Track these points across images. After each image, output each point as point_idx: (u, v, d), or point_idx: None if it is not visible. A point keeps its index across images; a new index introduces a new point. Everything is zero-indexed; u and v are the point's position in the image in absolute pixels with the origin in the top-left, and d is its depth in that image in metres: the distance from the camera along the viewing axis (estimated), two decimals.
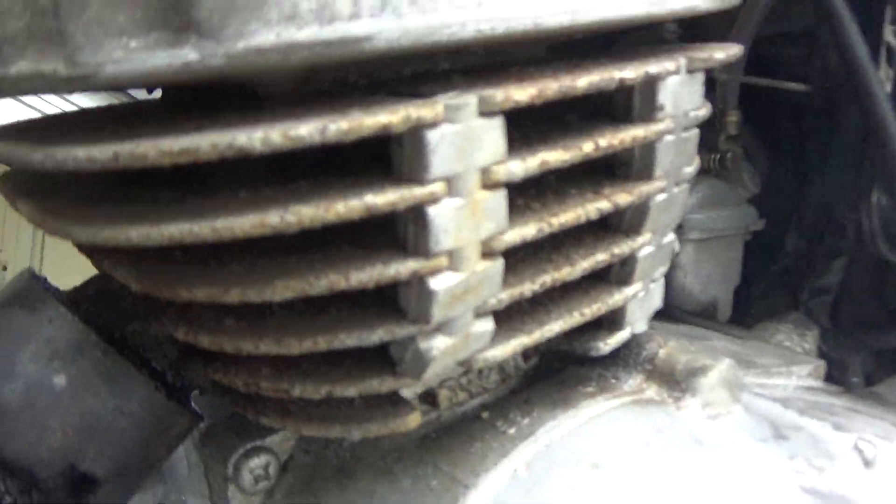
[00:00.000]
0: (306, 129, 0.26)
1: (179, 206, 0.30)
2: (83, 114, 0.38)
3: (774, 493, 0.36)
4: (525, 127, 0.35)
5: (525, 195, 0.37)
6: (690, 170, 0.42)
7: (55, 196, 0.33)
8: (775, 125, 0.79)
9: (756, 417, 0.46)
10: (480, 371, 0.46)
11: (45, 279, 0.42)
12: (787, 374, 0.60)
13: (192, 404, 0.46)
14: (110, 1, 0.25)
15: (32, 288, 0.40)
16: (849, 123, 0.66)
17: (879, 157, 0.56)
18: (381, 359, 0.35)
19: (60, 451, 0.39)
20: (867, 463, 0.44)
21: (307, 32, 0.26)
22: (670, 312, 0.72)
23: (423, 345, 0.33)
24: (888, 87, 0.60)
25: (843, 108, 0.66)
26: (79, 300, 0.42)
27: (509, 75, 0.33)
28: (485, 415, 0.44)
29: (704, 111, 0.41)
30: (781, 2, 0.65)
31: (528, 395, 0.45)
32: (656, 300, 0.47)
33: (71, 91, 0.27)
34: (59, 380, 0.38)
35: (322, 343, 0.33)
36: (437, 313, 0.32)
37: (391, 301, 0.33)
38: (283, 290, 0.30)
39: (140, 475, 0.43)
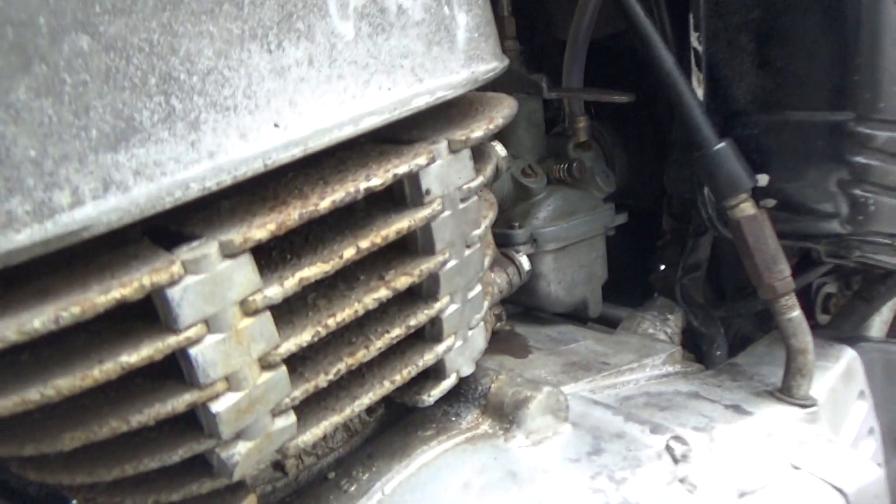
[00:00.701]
0: (40, 322, 0.29)
1: None
2: None
3: None
4: (294, 235, 0.38)
5: (315, 290, 0.40)
6: (479, 231, 0.46)
7: None
8: (631, 116, 0.83)
9: (580, 433, 0.51)
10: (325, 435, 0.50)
11: None
12: (640, 368, 0.66)
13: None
14: None
15: None
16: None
17: (699, 159, 0.60)
18: (200, 466, 0.39)
19: None
20: (676, 461, 0.49)
21: (26, 234, 0.29)
22: (540, 316, 0.77)
23: (224, 454, 0.37)
24: (701, 92, 0.64)
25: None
26: None
27: (256, 206, 0.36)
28: (331, 475, 0.48)
29: (478, 181, 0.44)
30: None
31: (371, 449, 0.49)
32: (479, 343, 0.51)
33: None
34: None
35: (129, 469, 0.36)
36: (226, 429, 0.36)
37: (192, 419, 0.37)
38: (71, 441, 0.33)
39: None
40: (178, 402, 0.34)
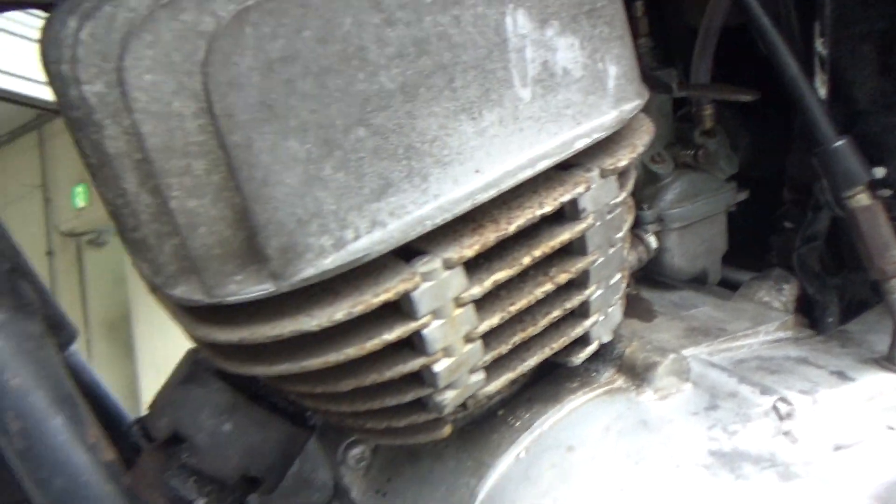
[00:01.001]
0: (341, 314, 0.45)
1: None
2: None
3: (685, 459, 0.54)
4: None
5: (499, 286, 0.55)
6: (621, 234, 0.58)
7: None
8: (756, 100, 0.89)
9: (699, 391, 0.63)
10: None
11: (205, 359, 0.65)
12: (754, 334, 0.76)
13: (308, 418, 0.69)
14: (223, 261, 0.45)
15: (199, 369, 0.63)
16: None
17: (818, 154, 0.67)
18: (417, 405, 0.56)
19: (236, 467, 0.62)
20: (781, 418, 0.60)
21: (331, 260, 0.45)
22: (664, 282, 0.87)
23: (437, 398, 0.53)
24: (823, 91, 0.70)
25: None
26: (224, 371, 0.65)
27: (462, 228, 0.50)
28: (500, 413, 0.64)
29: (622, 196, 0.56)
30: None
31: (530, 394, 0.65)
32: (617, 316, 0.64)
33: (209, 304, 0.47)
34: (228, 426, 0.62)
35: (376, 405, 0.53)
36: (441, 382, 0.52)
37: (416, 374, 0.53)
38: (346, 384, 0.50)
39: (285, 471, 0.67)
40: (415, 364, 0.50)
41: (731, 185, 0.83)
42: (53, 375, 0.50)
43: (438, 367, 0.51)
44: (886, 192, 0.70)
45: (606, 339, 0.64)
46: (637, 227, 0.79)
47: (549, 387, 0.65)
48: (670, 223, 0.80)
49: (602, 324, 0.62)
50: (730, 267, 0.96)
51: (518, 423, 0.62)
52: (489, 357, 0.54)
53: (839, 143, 0.67)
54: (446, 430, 0.59)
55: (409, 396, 0.53)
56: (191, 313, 0.50)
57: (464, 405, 0.64)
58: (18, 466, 0.48)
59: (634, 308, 0.80)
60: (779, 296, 0.84)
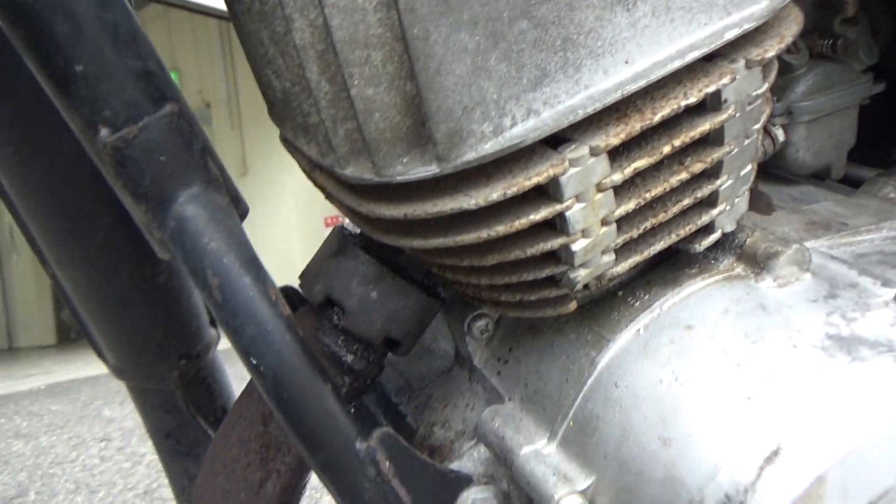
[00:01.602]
0: (496, 194, 0.50)
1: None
2: None
3: (802, 341, 0.58)
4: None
5: (636, 173, 0.58)
6: (758, 126, 0.59)
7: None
8: None
9: (819, 281, 0.65)
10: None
11: (352, 233, 0.73)
12: (877, 230, 0.76)
13: (440, 292, 0.76)
14: (393, 145, 0.50)
15: (348, 244, 0.70)
16: None
17: None
18: (550, 281, 0.61)
19: (380, 330, 0.71)
20: None
21: (490, 145, 0.49)
22: (783, 176, 0.87)
23: (571, 275, 0.58)
24: None
25: None
26: (370, 243, 0.72)
27: (607, 117, 0.53)
28: (620, 293, 0.69)
29: (764, 87, 0.56)
30: None
31: (649, 278, 0.69)
32: (742, 207, 0.66)
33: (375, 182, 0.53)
34: (374, 294, 0.70)
35: (514, 279, 0.59)
36: (577, 260, 0.56)
37: (553, 253, 0.58)
38: (491, 258, 0.56)
39: (418, 336, 0.75)
40: (555, 243, 0.55)
41: (868, 77, 0.80)
42: (240, 241, 0.58)
43: (576, 247, 0.55)
44: None
45: (730, 228, 0.66)
46: None
47: (669, 272, 0.69)
48: (799, 116, 0.78)
49: (727, 213, 0.64)
50: (853, 163, 0.94)
51: (637, 303, 0.67)
52: (621, 240, 0.58)
53: None
54: (572, 305, 0.64)
55: (546, 273, 0.58)
56: (357, 192, 0.56)
57: (586, 286, 0.69)
58: (217, 315, 0.58)
59: (753, 201, 0.81)
60: None
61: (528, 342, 0.73)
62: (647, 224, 0.59)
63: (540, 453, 0.66)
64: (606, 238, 0.57)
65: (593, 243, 0.56)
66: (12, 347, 9.17)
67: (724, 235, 0.68)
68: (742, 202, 0.65)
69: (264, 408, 0.72)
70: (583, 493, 0.61)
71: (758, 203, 0.81)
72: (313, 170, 0.63)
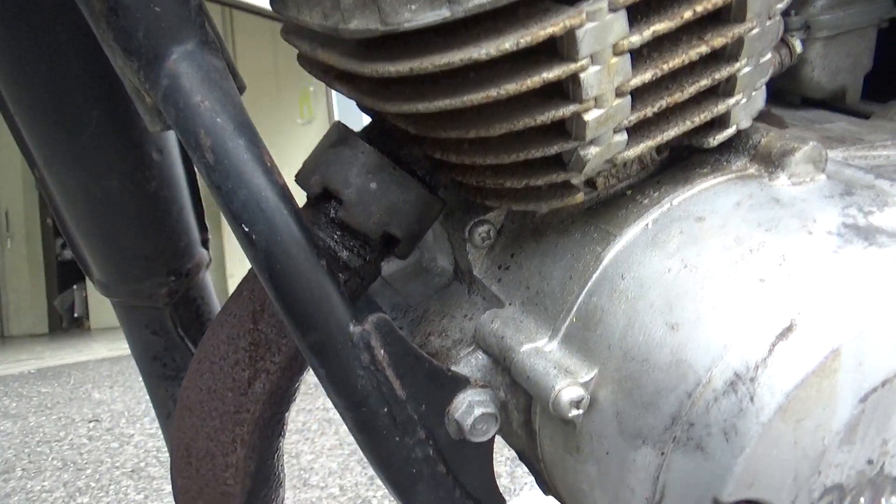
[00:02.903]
0: (508, 44, 0.47)
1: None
2: None
3: (818, 228, 0.56)
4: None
5: (649, 47, 0.55)
6: (781, 5, 0.56)
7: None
8: None
9: (834, 181, 0.63)
10: (625, 163, 0.68)
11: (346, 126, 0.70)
12: (894, 146, 0.74)
13: (441, 193, 0.74)
14: None
15: (348, 134, 0.68)
16: None
17: None
18: (558, 163, 0.59)
19: (378, 223, 0.68)
20: None
21: None
22: (791, 101, 0.85)
23: (582, 152, 0.56)
24: None
25: None
26: (371, 136, 0.69)
27: None
28: (628, 192, 0.66)
29: None
30: None
31: (660, 178, 0.66)
32: (759, 103, 0.63)
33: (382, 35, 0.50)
34: (373, 185, 0.67)
35: (522, 155, 0.56)
36: (589, 133, 0.54)
37: (562, 128, 0.56)
38: (498, 128, 0.54)
39: (418, 237, 0.72)
40: (567, 110, 0.52)
41: None
42: (235, 104, 0.55)
43: (588, 117, 0.53)
44: None
45: (745, 124, 0.64)
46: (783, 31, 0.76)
47: (679, 172, 0.66)
48: (817, 31, 0.76)
49: (744, 106, 0.62)
50: (865, 101, 0.92)
51: (647, 200, 0.64)
52: (634, 117, 0.56)
53: None
54: (579, 196, 0.62)
55: (555, 148, 0.56)
56: (361, 52, 0.54)
57: (594, 185, 0.67)
58: (208, 178, 0.55)
59: (766, 119, 0.79)
60: None
61: (531, 246, 0.71)
62: (663, 102, 0.56)
63: (541, 350, 0.63)
64: (620, 112, 0.54)
65: (606, 115, 0.53)
66: (4, 335, 9.12)
67: (738, 134, 0.65)
68: (759, 97, 0.63)
69: (255, 305, 0.70)
70: (584, 384, 0.59)
71: (770, 121, 0.79)
72: (315, 49, 0.60)
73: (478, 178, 0.63)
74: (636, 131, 0.58)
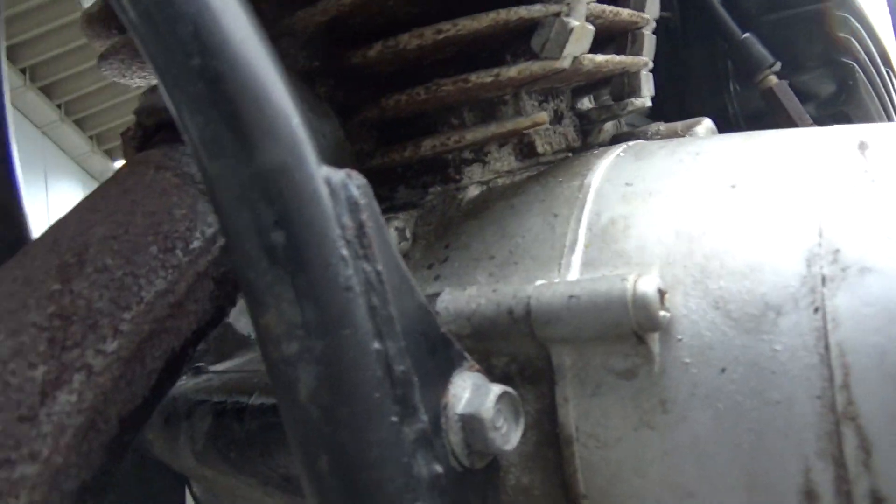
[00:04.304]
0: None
1: None
2: None
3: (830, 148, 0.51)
4: None
5: None
6: None
7: None
8: None
9: None
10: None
11: None
12: None
13: None
14: None
15: None
16: None
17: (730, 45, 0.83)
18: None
19: None
20: None
21: None
22: None
23: (564, 19, 0.48)
24: None
25: None
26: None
27: None
28: (569, 155, 0.58)
29: None
30: None
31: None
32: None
33: None
34: None
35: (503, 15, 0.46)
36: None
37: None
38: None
39: None
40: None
41: None
42: None
43: None
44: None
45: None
46: None
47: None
48: None
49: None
50: None
51: (597, 151, 0.56)
52: None
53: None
54: (542, 116, 0.51)
55: (538, 7, 0.47)
56: None
57: (532, 149, 0.57)
58: None
59: None
60: None
61: (473, 225, 0.53)
62: None
63: (564, 282, 0.43)
64: None
65: None
66: None
67: None
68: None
69: (67, 255, 0.35)
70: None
71: None
72: None
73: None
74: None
